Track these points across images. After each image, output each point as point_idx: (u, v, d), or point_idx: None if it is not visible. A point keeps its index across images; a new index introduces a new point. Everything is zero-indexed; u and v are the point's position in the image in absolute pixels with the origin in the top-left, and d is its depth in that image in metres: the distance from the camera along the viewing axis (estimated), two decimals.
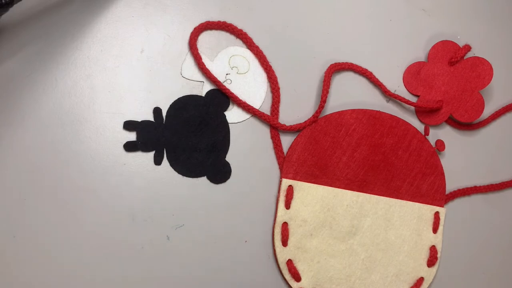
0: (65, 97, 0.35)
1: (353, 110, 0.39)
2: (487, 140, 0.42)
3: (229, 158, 0.37)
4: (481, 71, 0.40)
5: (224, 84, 0.37)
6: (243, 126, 0.38)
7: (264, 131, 0.38)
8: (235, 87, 0.38)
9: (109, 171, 0.35)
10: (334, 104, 0.39)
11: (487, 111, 0.42)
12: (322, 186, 0.37)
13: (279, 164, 0.38)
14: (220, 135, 0.37)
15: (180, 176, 0.36)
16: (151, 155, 0.36)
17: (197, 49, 0.37)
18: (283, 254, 0.36)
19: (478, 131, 0.42)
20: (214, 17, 0.38)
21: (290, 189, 0.37)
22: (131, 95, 0.36)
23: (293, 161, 0.37)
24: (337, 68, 0.39)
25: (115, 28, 0.37)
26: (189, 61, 0.37)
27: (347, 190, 0.38)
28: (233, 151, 0.37)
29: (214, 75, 0.37)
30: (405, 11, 0.42)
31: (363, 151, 0.38)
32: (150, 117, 0.36)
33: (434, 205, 0.39)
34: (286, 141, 0.38)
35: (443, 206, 0.39)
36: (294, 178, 0.37)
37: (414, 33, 0.42)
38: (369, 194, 0.38)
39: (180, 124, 0.36)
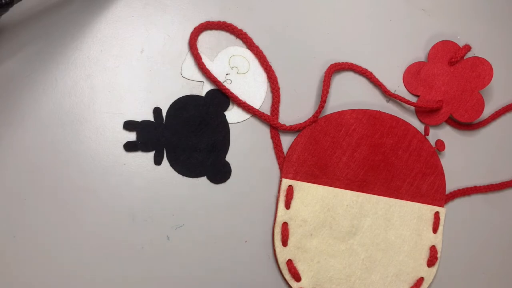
0: (65, 97, 0.35)
1: (353, 110, 0.39)
2: (487, 140, 0.42)
3: (229, 158, 0.37)
4: (481, 71, 0.40)
5: (224, 84, 0.37)
6: (243, 126, 0.38)
7: (264, 131, 0.38)
8: (235, 87, 0.38)
9: (109, 171, 0.35)
10: (334, 104, 0.39)
11: (487, 111, 0.42)
12: (322, 186, 0.37)
13: (279, 164, 0.38)
14: (220, 135, 0.37)
15: (180, 176, 0.36)
16: (151, 155, 0.36)
17: (197, 49, 0.37)
18: (283, 254, 0.36)
19: (478, 131, 0.42)
20: (214, 17, 0.38)
21: (290, 189, 0.37)
22: (131, 95, 0.36)
23: (293, 161, 0.37)
24: (337, 68, 0.39)
25: (115, 28, 0.37)
26: (189, 61, 0.37)
27: (347, 190, 0.38)
28: (233, 151, 0.37)
29: (214, 75, 0.37)
30: (405, 11, 0.42)
31: (363, 151, 0.38)
32: (150, 117, 0.36)
33: (434, 205, 0.39)
34: (286, 141, 0.38)
35: (443, 206, 0.39)
36: (294, 178, 0.37)
37: (414, 33, 0.42)
38: (369, 194, 0.38)
39: (180, 124, 0.36)
